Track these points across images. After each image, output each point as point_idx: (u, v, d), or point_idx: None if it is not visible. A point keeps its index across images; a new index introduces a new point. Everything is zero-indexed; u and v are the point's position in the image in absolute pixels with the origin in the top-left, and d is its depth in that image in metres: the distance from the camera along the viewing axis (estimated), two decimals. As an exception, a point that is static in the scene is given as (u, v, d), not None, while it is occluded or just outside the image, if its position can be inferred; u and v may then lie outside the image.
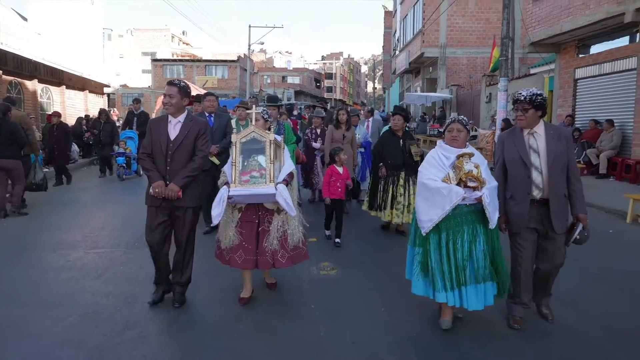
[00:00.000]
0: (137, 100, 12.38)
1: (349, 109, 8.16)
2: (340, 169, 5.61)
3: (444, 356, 3.16)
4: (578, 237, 3.38)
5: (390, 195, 5.94)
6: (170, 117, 3.71)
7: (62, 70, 16.32)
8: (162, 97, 3.69)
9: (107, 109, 14.89)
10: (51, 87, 16.19)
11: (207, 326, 3.57)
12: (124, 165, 10.88)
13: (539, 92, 3.36)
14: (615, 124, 10.85)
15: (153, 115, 17.73)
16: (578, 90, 12.79)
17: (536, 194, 3.37)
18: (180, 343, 3.31)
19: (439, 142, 3.65)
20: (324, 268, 4.80)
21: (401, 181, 5.93)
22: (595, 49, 12.38)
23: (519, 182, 3.42)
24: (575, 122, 12.65)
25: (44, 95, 15.42)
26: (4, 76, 13.08)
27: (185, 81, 3.86)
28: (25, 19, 17.79)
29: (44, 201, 8.10)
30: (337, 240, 5.65)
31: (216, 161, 5.84)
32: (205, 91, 14.77)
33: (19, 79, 14.10)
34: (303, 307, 3.92)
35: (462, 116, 3.64)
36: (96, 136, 11.72)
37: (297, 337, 3.39)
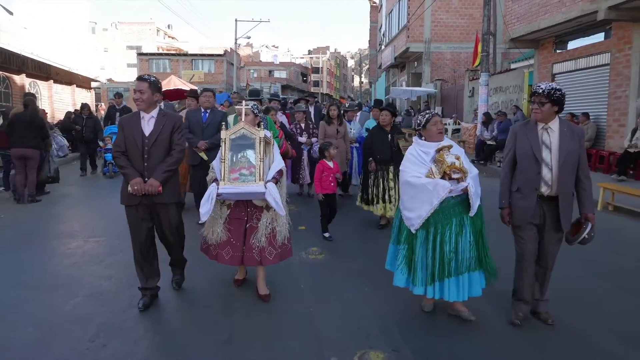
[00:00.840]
0: (119, 95, 11.93)
1: (346, 104, 8.35)
2: (330, 164, 5.66)
3: (421, 327, 3.52)
4: (586, 236, 3.33)
5: (381, 189, 6.02)
6: (142, 113, 3.63)
7: (49, 65, 16.37)
8: (134, 93, 3.62)
9: (95, 103, 14.97)
10: (39, 82, 16.24)
11: (204, 303, 3.89)
12: (112, 161, 10.38)
13: (557, 86, 3.30)
14: (590, 117, 11.34)
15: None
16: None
17: (544, 190, 3.35)
18: (180, 318, 3.63)
19: (415, 138, 3.67)
20: (312, 253, 5.13)
21: (391, 175, 6.00)
22: (572, 44, 12.84)
23: (528, 176, 3.38)
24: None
25: (31, 89, 15.46)
26: (-8, 71, 13.14)
27: (155, 76, 3.79)
28: (11, 13, 17.72)
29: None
30: (326, 234, 5.74)
31: (204, 157, 5.84)
32: (192, 86, 14.88)
33: (6, 74, 14.16)
34: (293, 286, 4.25)
35: (434, 111, 3.77)
36: (78, 132, 11.06)
37: (289, 312, 3.73)
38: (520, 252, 3.50)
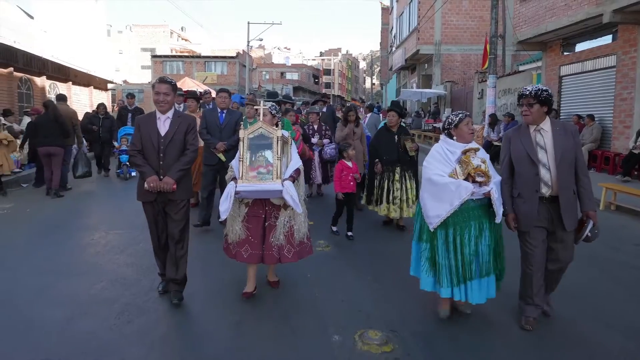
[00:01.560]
0: (131, 95, 11.58)
1: (359, 109, 8.31)
2: (349, 164, 5.72)
3: (419, 312, 3.80)
4: (589, 234, 3.32)
5: (385, 190, 6.02)
6: (158, 114, 3.75)
7: (68, 67, 16.90)
8: (156, 95, 3.69)
9: (112, 104, 15.34)
10: (58, 83, 16.78)
11: (217, 289, 4.20)
12: (128, 163, 10.02)
13: (544, 87, 3.31)
14: (595, 119, 11.50)
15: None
16: (563, 87, 13.42)
17: (545, 191, 3.32)
18: (196, 302, 3.95)
19: (442, 136, 3.64)
20: (319, 245, 5.43)
21: (397, 176, 5.98)
22: (579, 47, 13.00)
23: (526, 179, 3.36)
24: (561, 117, 13.29)
25: (51, 91, 16.00)
26: (15, 73, 13.66)
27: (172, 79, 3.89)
28: (31, 17, 18.29)
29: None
30: (350, 233, 5.75)
31: (223, 158, 5.85)
32: (205, 87, 15.23)
33: (28, 76, 14.70)
34: (300, 275, 4.54)
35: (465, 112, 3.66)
36: (95, 132, 10.66)
37: (296, 296, 4.04)
38: (528, 257, 3.44)
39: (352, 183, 5.67)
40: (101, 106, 11.10)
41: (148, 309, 3.75)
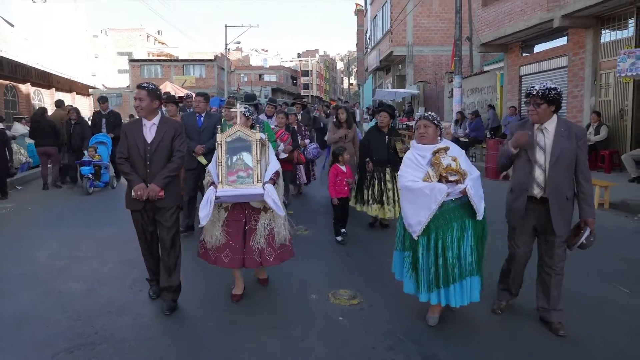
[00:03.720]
0: (103, 99, 10.57)
1: (347, 108, 8.15)
2: (343, 168, 5.70)
3: (383, 276, 4.59)
4: (584, 242, 3.24)
5: (376, 190, 6.02)
6: (144, 121, 3.74)
7: (51, 74, 17.32)
8: (134, 101, 3.75)
9: (95, 109, 15.58)
10: (42, 90, 17.17)
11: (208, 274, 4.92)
12: (90, 176, 9.02)
13: (552, 86, 3.22)
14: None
15: (136, 115, 18.61)
16: (523, 85, 14.46)
17: (537, 192, 3.28)
18: (191, 285, 4.66)
19: (412, 142, 3.62)
20: (299, 229, 6.16)
21: (387, 176, 5.99)
22: (538, 48, 14.07)
23: (520, 176, 3.35)
24: (521, 114, 14.33)
25: (35, 97, 16.43)
26: (0, 81, 14.08)
27: (155, 83, 3.92)
28: (12, 25, 18.62)
29: (53, 196, 9.31)
30: (342, 230, 5.77)
31: (203, 161, 5.82)
32: (186, 91, 15.70)
33: (13, 83, 15.10)
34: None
35: (429, 112, 3.62)
36: (66, 140, 9.83)
37: (277, 268, 4.68)
38: (511, 255, 3.54)
39: (346, 188, 5.69)
40: (73, 111, 10.10)
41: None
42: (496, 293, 3.73)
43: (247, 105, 4.44)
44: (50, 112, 10.80)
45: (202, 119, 6.06)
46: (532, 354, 3.15)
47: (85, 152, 9.36)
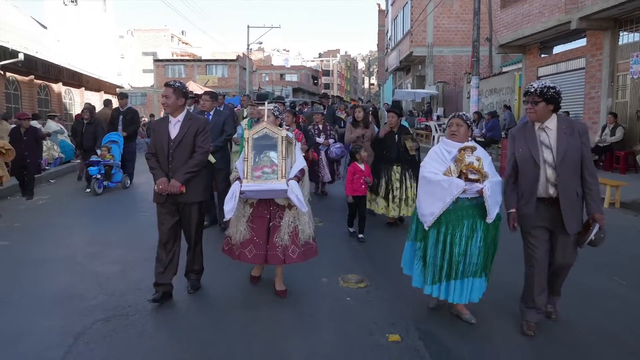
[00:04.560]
0: (123, 96, 10.32)
1: (368, 108, 8.34)
2: (362, 166, 5.73)
3: (391, 263, 4.90)
4: (594, 238, 3.19)
5: (384, 188, 6.09)
6: (170, 117, 3.85)
7: (81, 74, 18.08)
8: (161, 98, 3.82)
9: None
10: (72, 89, 17.95)
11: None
12: (98, 176, 8.75)
13: (551, 84, 3.21)
14: (570, 115, 12.61)
15: (161, 114, 19.20)
16: (541, 87, 14.52)
17: (552, 191, 3.23)
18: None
19: (442, 137, 3.70)
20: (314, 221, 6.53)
21: (397, 175, 6.05)
22: (557, 49, 14.13)
23: (528, 180, 3.29)
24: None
25: (66, 96, 17.20)
26: (35, 80, 14.83)
27: (182, 81, 3.98)
28: (45, 27, 19.48)
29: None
30: (361, 235, 5.78)
31: (212, 159, 5.77)
32: (208, 89, 16.16)
33: (46, 82, 15.86)
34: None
35: (462, 112, 3.66)
36: (78, 140, 9.66)
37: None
38: (529, 258, 3.39)
39: (363, 186, 5.72)
40: (86, 109, 9.80)
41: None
42: (522, 314, 3.47)
43: (276, 105, 4.49)
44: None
45: (210, 117, 6.05)
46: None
47: (98, 151, 9.09)
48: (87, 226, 6.62)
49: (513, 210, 3.40)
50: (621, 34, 11.24)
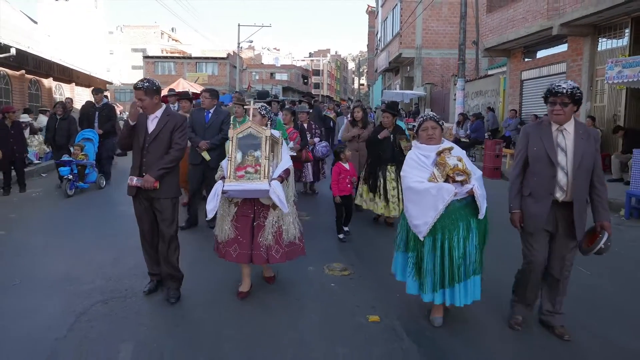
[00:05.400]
0: (98, 91, 9.66)
1: (364, 106, 8.24)
2: (346, 166, 5.72)
3: (373, 252, 5.19)
4: (602, 246, 3.11)
5: (381, 188, 6.10)
6: (148, 114, 3.86)
7: (71, 69, 18.13)
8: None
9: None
10: (63, 84, 17.99)
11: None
12: (70, 177, 8.13)
13: (577, 85, 3.16)
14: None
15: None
16: (524, 90, 14.98)
17: (559, 195, 3.18)
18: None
19: (414, 142, 3.61)
20: (300, 214, 6.77)
21: (392, 175, 6.06)
22: (540, 54, 14.56)
23: (542, 180, 3.22)
24: (522, 117, 14.85)
25: (57, 91, 17.26)
26: (26, 75, 14.88)
27: (150, 79, 3.87)
28: (35, 22, 19.47)
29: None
30: (346, 228, 5.88)
31: (207, 156, 5.84)
32: (200, 87, 16.33)
33: (37, 77, 15.92)
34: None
35: (432, 113, 3.64)
36: (50, 137, 9.12)
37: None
38: (528, 261, 3.36)
39: (349, 185, 5.72)
40: (59, 105, 9.36)
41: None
42: (510, 308, 3.56)
43: (263, 104, 4.45)
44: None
45: (209, 115, 6.06)
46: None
47: (71, 149, 8.61)
48: (81, 217, 6.81)
49: (518, 210, 3.34)
50: (600, 40, 11.67)
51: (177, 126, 3.85)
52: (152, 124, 3.83)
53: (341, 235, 5.82)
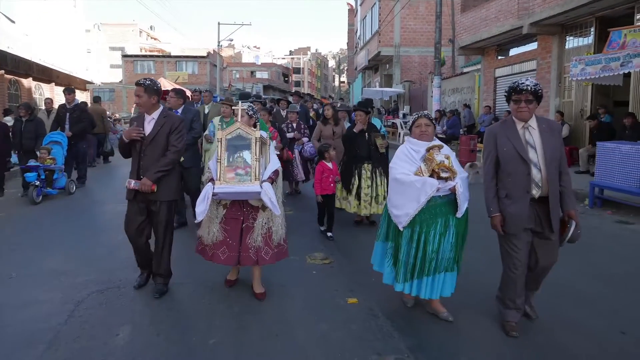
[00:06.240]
0: (69, 91, 9.22)
1: (337, 104, 8.32)
2: (330, 165, 5.74)
3: (352, 243, 5.52)
4: (573, 235, 3.21)
5: (355, 187, 6.07)
6: (146, 115, 3.88)
7: (51, 69, 18.07)
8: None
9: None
10: (42, 84, 17.91)
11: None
12: (37, 183, 7.64)
13: (537, 82, 3.21)
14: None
15: (132, 111, 19.07)
16: (497, 87, 15.52)
17: (535, 192, 3.20)
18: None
19: (407, 137, 3.68)
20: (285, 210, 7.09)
21: (368, 173, 6.05)
22: (512, 52, 15.10)
23: (516, 179, 3.23)
24: (496, 113, 15.38)
25: (36, 91, 17.17)
26: (5, 75, 14.83)
27: (153, 79, 3.93)
28: (12, 21, 19.29)
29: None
30: (330, 234, 5.85)
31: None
32: (178, 86, 16.47)
33: (16, 77, 15.86)
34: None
35: (426, 111, 3.69)
36: (17, 141, 8.46)
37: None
38: (512, 260, 3.32)
39: (332, 185, 5.74)
40: (22, 107, 8.74)
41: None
42: (501, 315, 3.49)
43: (250, 104, 4.36)
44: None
45: (178, 114, 5.83)
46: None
47: (38, 153, 8.07)
48: (74, 214, 7.01)
49: (498, 214, 3.32)
50: (567, 39, 12.23)
51: (174, 128, 3.87)
52: (149, 126, 3.85)
53: (323, 227, 5.96)
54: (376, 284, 4.25)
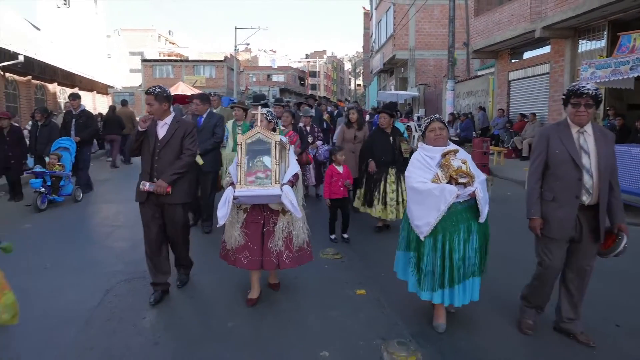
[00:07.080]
0: (75, 96, 9.05)
1: (345, 106, 8.40)
2: (340, 168, 5.63)
3: (362, 240, 5.77)
4: (622, 249, 3.11)
5: (380, 191, 5.95)
6: (157, 120, 3.94)
7: (74, 74, 18.71)
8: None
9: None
10: (66, 89, 18.54)
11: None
12: (42, 189, 7.40)
13: (597, 86, 3.15)
14: (537, 117, 13.69)
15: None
16: (511, 90, 15.62)
17: (585, 198, 3.12)
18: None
19: (420, 144, 3.62)
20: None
21: (392, 177, 5.95)
22: (526, 55, 15.19)
23: (566, 184, 3.14)
24: (509, 116, 15.48)
25: (61, 95, 17.83)
26: (32, 80, 15.45)
27: (162, 86, 3.99)
28: (38, 29, 20.05)
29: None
30: (345, 235, 5.82)
31: (199, 161, 5.70)
32: (198, 91, 16.93)
33: (42, 82, 16.50)
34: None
35: (437, 115, 3.65)
36: (32, 145, 8.58)
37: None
38: (545, 267, 3.29)
39: (342, 189, 5.63)
40: (38, 111, 8.85)
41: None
42: (520, 312, 3.55)
43: (269, 109, 4.45)
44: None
45: (202, 119, 6.02)
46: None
47: (46, 158, 7.97)
48: (98, 211, 7.41)
49: (538, 217, 3.25)
50: (580, 42, 12.31)
51: (187, 132, 3.97)
52: (162, 130, 3.92)
53: (333, 236, 5.83)
54: (384, 277, 4.52)
